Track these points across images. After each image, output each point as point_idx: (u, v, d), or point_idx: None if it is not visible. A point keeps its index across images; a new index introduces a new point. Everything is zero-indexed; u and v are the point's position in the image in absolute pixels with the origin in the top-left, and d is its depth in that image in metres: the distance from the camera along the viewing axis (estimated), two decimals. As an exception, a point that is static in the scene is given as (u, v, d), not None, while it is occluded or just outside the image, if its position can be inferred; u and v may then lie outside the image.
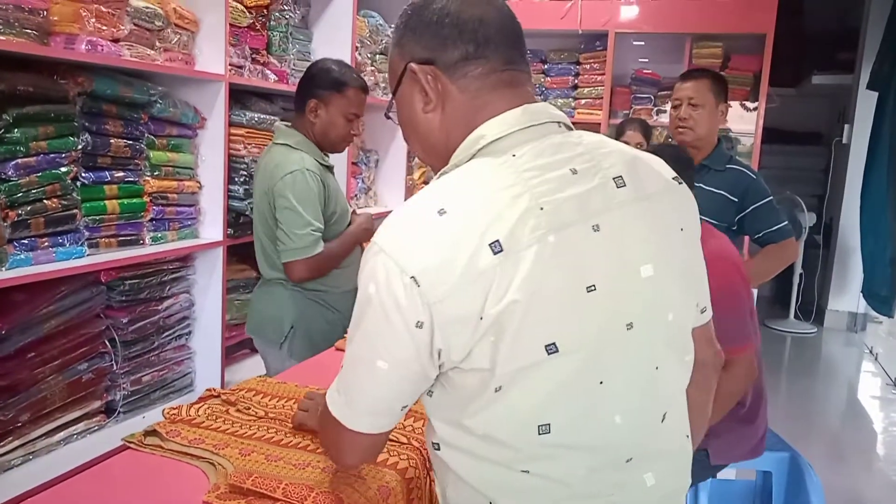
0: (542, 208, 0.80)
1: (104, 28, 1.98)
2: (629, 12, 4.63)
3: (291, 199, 2.00)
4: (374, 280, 0.80)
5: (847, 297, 5.77)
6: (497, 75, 0.89)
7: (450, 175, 0.86)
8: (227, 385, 2.51)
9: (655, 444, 0.90)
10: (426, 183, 3.86)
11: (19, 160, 1.81)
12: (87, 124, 2.00)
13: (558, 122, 0.90)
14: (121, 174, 2.14)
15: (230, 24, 2.43)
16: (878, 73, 5.03)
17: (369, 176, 3.58)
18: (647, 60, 4.99)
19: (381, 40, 3.46)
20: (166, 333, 2.40)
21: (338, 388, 0.90)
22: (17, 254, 1.84)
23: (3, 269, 1.80)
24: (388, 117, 1.02)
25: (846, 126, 5.73)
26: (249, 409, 1.39)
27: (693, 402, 0.97)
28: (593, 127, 4.64)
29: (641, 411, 0.88)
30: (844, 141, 5.73)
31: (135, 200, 2.20)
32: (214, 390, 1.48)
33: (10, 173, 1.79)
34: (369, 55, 3.39)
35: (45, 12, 1.83)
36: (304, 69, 2.25)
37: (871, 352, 5.20)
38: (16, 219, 1.82)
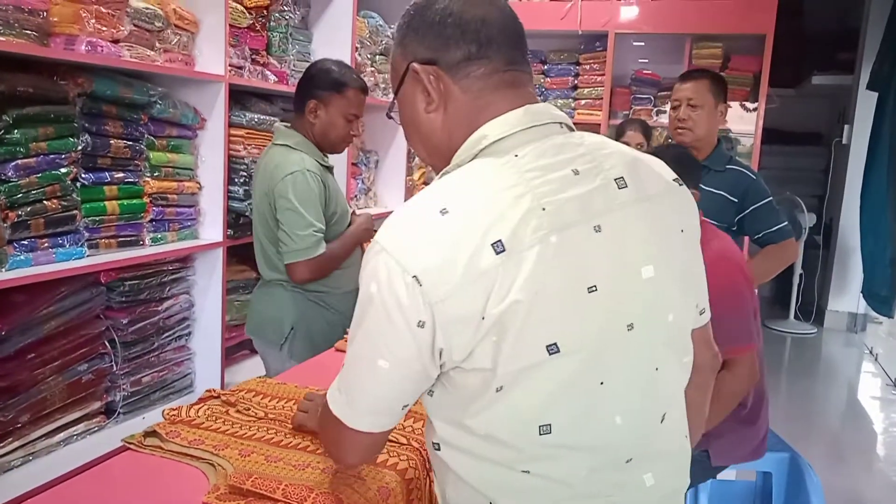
0: (544, 209, 0.80)
1: (104, 29, 1.98)
2: (629, 13, 4.63)
3: (293, 200, 2.00)
4: (376, 279, 0.80)
5: (847, 297, 5.76)
6: (499, 76, 0.89)
7: (452, 175, 0.86)
8: (227, 386, 2.51)
9: (655, 444, 0.90)
10: (426, 184, 3.86)
11: (19, 161, 1.81)
12: (86, 125, 2.00)
13: (560, 123, 0.91)
14: (121, 175, 2.14)
15: (230, 25, 2.44)
16: (878, 73, 5.03)
17: (369, 177, 3.58)
18: (646, 61, 4.98)
19: (381, 41, 3.46)
20: (166, 334, 2.40)
21: (339, 387, 0.90)
22: (16, 255, 1.84)
23: (3, 269, 1.80)
24: (390, 117, 1.02)
25: (846, 126, 5.73)
26: (249, 409, 1.39)
27: (691, 403, 0.97)
28: (593, 127, 4.64)
29: (641, 412, 0.88)
30: (844, 141, 5.73)
31: (135, 201, 2.20)
32: (214, 391, 1.48)
33: (10, 174, 1.80)
34: (369, 56, 3.39)
35: (44, 13, 1.83)
36: (304, 70, 2.25)
37: (871, 352, 5.20)
38: (16, 220, 1.82)
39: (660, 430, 0.90)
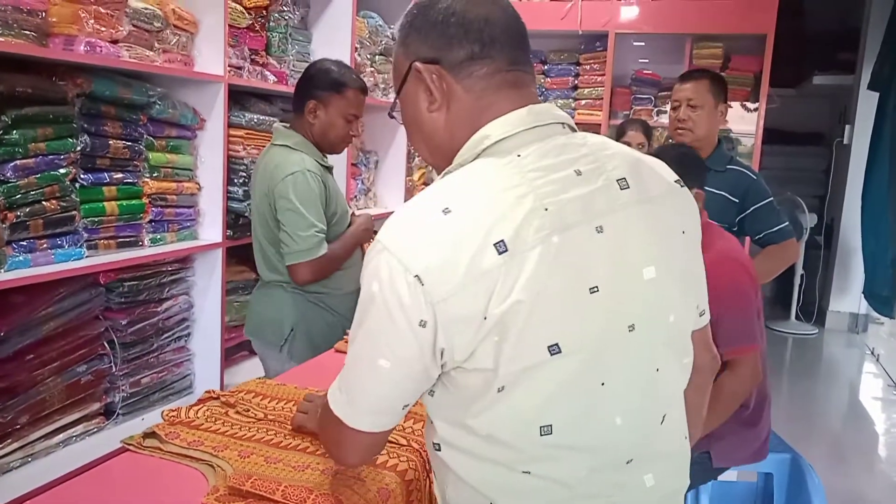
0: (546, 209, 0.80)
1: (103, 29, 1.97)
2: (629, 13, 4.63)
3: (294, 201, 1.98)
4: (378, 278, 0.80)
5: (848, 297, 5.76)
6: (502, 75, 0.89)
7: (454, 174, 0.86)
8: (227, 387, 2.51)
9: (655, 445, 0.90)
10: (426, 184, 3.86)
11: (18, 162, 1.81)
12: (85, 126, 2.00)
13: (562, 124, 0.91)
14: (120, 175, 2.14)
15: (229, 25, 2.43)
16: (879, 73, 5.03)
17: (369, 177, 3.58)
18: (647, 61, 4.98)
19: (381, 41, 3.46)
20: (165, 335, 2.39)
21: (339, 387, 0.89)
22: (15, 255, 1.84)
23: (2, 270, 1.80)
24: (392, 116, 1.02)
25: (847, 127, 5.72)
26: (249, 411, 1.39)
27: (689, 405, 0.98)
28: (593, 128, 4.64)
29: (642, 412, 0.88)
30: (845, 141, 5.72)
31: (134, 202, 2.19)
32: (214, 392, 1.47)
33: (8, 175, 1.79)
34: (369, 56, 3.38)
35: (43, 13, 1.82)
36: (303, 70, 2.24)
37: (872, 353, 5.19)
38: (14, 220, 1.82)
39: (660, 430, 0.90)
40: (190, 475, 1.17)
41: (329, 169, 2.19)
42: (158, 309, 2.34)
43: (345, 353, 0.88)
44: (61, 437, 2.03)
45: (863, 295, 5.39)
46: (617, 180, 0.87)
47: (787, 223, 2.43)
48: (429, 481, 1.23)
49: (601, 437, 0.85)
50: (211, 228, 2.49)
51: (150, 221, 2.27)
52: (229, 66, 2.45)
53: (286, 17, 2.84)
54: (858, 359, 5.20)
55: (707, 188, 2.36)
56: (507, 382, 0.80)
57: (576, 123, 0.94)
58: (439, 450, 0.89)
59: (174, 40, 2.26)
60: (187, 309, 2.48)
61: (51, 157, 1.90)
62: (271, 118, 2.70)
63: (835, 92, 6.29)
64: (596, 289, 0.81)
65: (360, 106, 2.16)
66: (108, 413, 2.21)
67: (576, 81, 4.96)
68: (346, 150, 2.35)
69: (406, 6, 0.95)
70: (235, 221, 2.59)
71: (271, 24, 2.79)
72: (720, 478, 1.97)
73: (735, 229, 2.42)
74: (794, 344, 5.45)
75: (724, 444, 1.83)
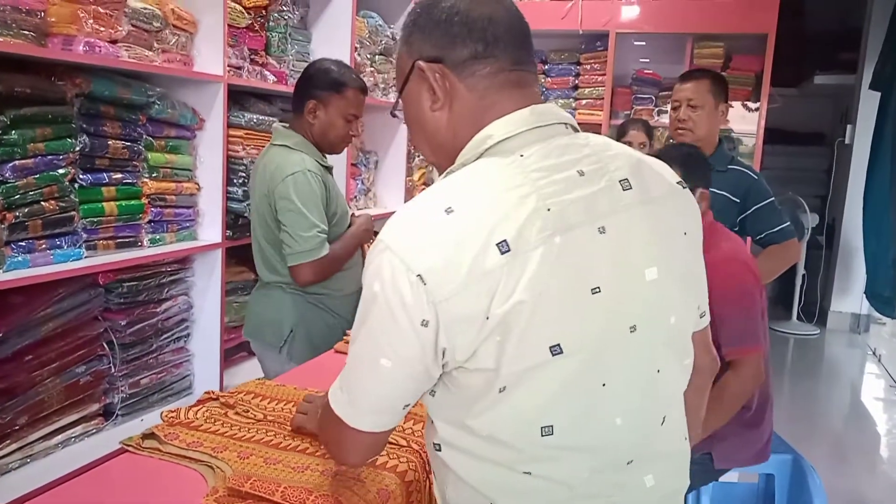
0: (549, 209, 0.80)
1: (102, 29, 1.97)
2: (630, 12, 4.63)
3: (295, 201, 1.97)
4: (380, 278, 0.80)
5: (850, 298, 5.75)
6: (505, 75, 0.89)
7: (457, 174, 0.86)
8: (226, 388, 2.50)
9: (655, 445, 0.90)
10: (426, 184, 3.86)
11: (17, 162, 1.81)
12: (84, 126, 1.99)
13: (565, 124, 0.91)
14: (119, 176, 2.13)
15: (228, 25, 2.43)
16: (881, 73, 5.02)
17: (369, 177, 3.57)
18: (648, 61, 4.98)
19: (381, 41, 3.45)
20: (165, 336, 2.39)
21: (341, 386, 0.89)
22: (14, 256, 1.83)
23: (1, 271, 1.80)
24: (395, 115, 1.02)
25: (848, 126, 5.71)
26: (248, 411, 1.38)
27: (688, 406, 0.98)
28: (594, 128, 4.63)
29: (642, 413, 0.88)
30: (847, 141, 5.71)
31: (133, 202, 2.19)
32: (213, 393, 1.47)
33: (7, 175, 1.79)
34: (368, 56, 3.38)
35: (42, 13, 1.82)
36: (303, 70, 2.24)
37: (874, 353, 5.18)
38: (13, 221, 1.82)
39: (660, 431, 0.91)
40: (189, 476, 1.17)
41: (329, 169, 2.18)
42: (158, 309, 2.34)
43: (344, 354, 0.88)
44: (60, 438, 2.03)
45: (864, 295, 5.38)
46: (619, 181, 0.87)
47: (788, 223, 2.43)
48: (428, 482, 1.23)
49: (602, 438, 0.85)
50: (210, 229, 2.48)
51: (150, 222, 2.26)
52: (229, 65, 2.45)
53: (286, 17, 2.84)
54: (860, 359, 5.19)
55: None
56: (509, 383, 0.80)
57: (576, 123, 0.94)
58: (440, 450, 0.89)
59: (173, 40, 2.26)
60: (187, 309, 2.47)
61: (50, 157, 1.89)
62: (271, 118, 2.70)
63: (836, 92, 6.29)
64: (598, 289, 0.81)
65: (359, 106, 2.16)
66: (107, 414, 2.20)
67: (576, 81, 4.96)
68: (345, 150, 2.34)
69: (406, 6, 0.94)
70: (235, 222, 2.58)
71: (271, 23, 2.79)
72: (721, 479, 1.96)
73: (736, 229, 2.41)
74: (796, 344, 5.45)
75: (725, 445, 1.83)
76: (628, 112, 4.81)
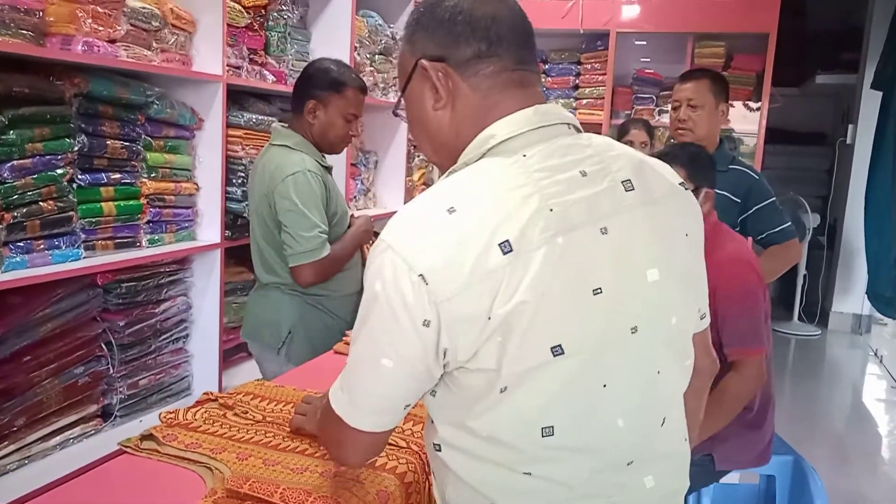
0: (551, 210, 0.80)
1: (100, 29, 1.97)
2: (631, 12, 4.63)
3: (296, 201, 1.96)
4: (381, 277, 0.80)
5: (851, 298, 5.74)
6: (508, 74, 0.89)
7: (459, 174, 0.86)
8: (225, 389, 2.50)
9: (655, 446, 0.90)
10: (426, 184, 3.85)
11: (15, 162, 1.80)
12: (83, 126, 1.99)
13: (568, 124, 0.90)
14: (117, 176, 2.13)
15: (228, 25, 2.42)
16: (882, 72, 5.01)
17: (368, 177, 3.57)
18: (648, 60, 4.98)
19: (381, 40, 3.45)
20: (163, 336, 2.38)
21: (341, 386, 0.89)
22: (12, 256, 1.83)
23: (-1, 271, 1.79)
24: (397, 114, 1.01)
25: (850, 126, 5.71)
26: (247, 413, 1.38)
27: (687, 408, 0.98)
28: (595, 127, 4.63)
29: (642, 414, 0.88)
30: (848, 141, 5.71)
31: (131, 202, 2.18)
32: (212, 394, 1.46)
33: (5, 175, 1.79)
34: (368, 55, 3.37)
35: (41, 13, 1.82)
36: (302, 69, 2.23)
37: (875, 354, 5.18)
38: (11, 221, 1.82)
39: (660, 432, 0.91)
40: (188, 477, 1.16)
41: (329, 169, 2.18)
42: (156, 310, 2.34)
43: (343, 355, 0.87)
44: (58, 439, 2.02)
45: (866, 295, 5.37)
46: (622, 182, 0.87)
47: (789, 223, 2.42)
48: (428, 483, 1.23)
49: (602, 438, 0.85)
50: (209, 229, 2.48)
51: (148, 222, 2.26)
52: (228, 65, 2.44)
53: (285, 17, 2.83)
54: (861, 360, 5.18)
55: (709, 188, 2.36)
56: (510, 383, 0.79)
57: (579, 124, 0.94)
58: (440, 450, 0.89)
59: (172, 40, 2.26)
60: (185, 310, 2.47)
61: (48, 157, 1.89)
62: (270, 118, 2.69)
63: (838, 91, 6.28)
64: (599, 290, 0.81)
65: (359, 105, 2.15)
66: (105, 415, 2.20)
67: (577, 81, 4.95)
68: (345, 150, 2.33)
69: (406, 5, 0.94)
70: (234, 222, 2.58)
71: (270, 23, 2.78)
72: (722, 480, 1.96)
73: (737, 229, 2.40)
74: (797, 345, 5.44)
75: (727, 446, 1.82)
76: (629, 112, 4.81)
